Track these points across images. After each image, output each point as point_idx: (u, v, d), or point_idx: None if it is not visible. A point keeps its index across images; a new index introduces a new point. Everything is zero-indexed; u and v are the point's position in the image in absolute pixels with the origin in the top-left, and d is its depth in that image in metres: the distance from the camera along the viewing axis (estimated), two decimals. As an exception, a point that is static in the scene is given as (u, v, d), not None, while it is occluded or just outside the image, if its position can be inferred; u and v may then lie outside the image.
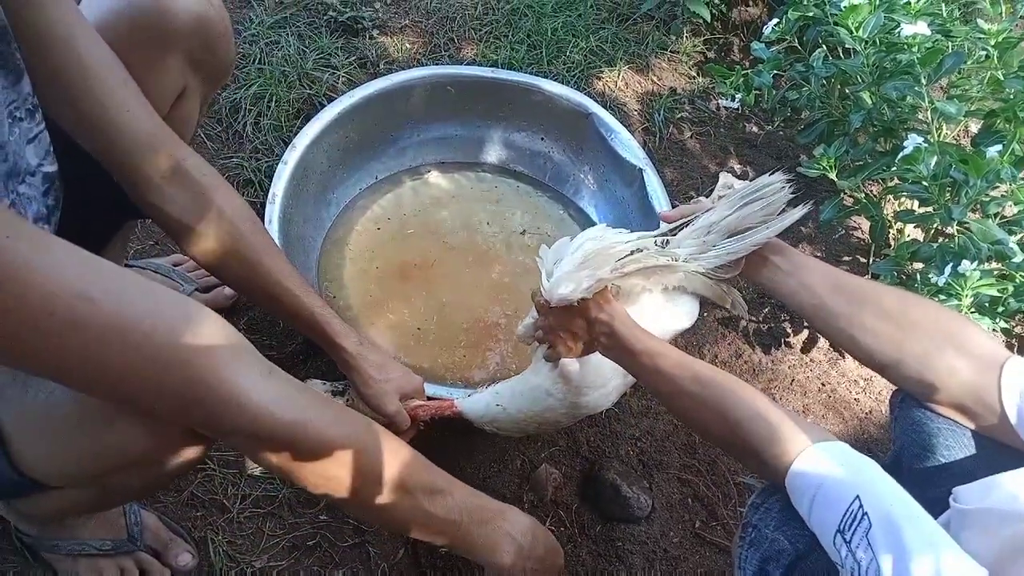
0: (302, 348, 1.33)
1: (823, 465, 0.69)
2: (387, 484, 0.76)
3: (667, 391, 0.85)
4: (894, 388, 0.88)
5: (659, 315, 1.01)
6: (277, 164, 1.40)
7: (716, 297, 1.02)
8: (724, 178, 1.06)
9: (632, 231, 1.04)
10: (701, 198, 1.06)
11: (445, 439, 1.21)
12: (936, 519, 0.65)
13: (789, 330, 1.56)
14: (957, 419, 0.79)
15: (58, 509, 0.91)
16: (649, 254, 0.97)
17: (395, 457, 0.77)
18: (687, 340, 1.51)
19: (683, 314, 1.04)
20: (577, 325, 0.96)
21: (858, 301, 0.87)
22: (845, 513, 0.64)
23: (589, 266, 0.94)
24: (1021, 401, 0.74)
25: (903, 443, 0.83)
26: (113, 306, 0.59)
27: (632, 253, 0.96)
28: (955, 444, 0.79)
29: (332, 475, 0.74)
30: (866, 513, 0.63)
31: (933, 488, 0.72)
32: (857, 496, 0.65)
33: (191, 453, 0.75)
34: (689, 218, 1.03)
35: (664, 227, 1.06)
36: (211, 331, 0.64)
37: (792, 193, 0.96)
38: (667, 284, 1.01)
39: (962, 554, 0.60)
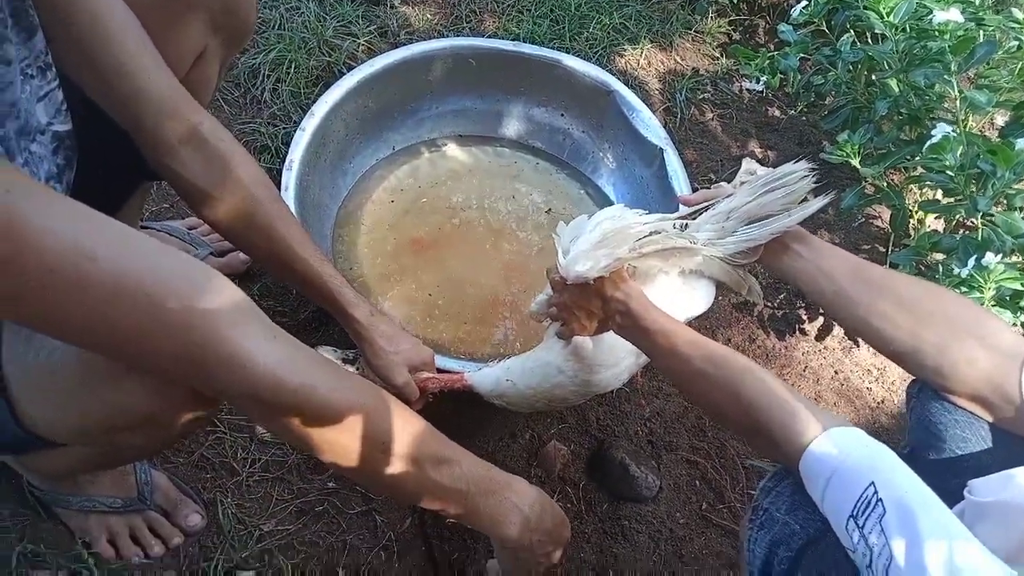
0: (315, 316, 1.33)
1: (839, 450, 0.69)
2: (394, 452, 0.76)
3: (681, 371, 0.84)
4: (910, 378, 0.88)
5: (675, 297, 1.00)
6: (294, 131, 1.39)
7: (733, 283, 1.01)
8: (747, 163, 1.05)
9: (651, 212, 1.04)
10: (722, 183, 1.05)
11: (454, 412, 1.21)
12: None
13: (804, 317, 1.55)
14: (975, 411, 0.78)
15: (66, 465, 0.91)
16: (668, 236, 0.96)
17: (403, 425, 0.77)
18: (700, 324, 1.50)
19: (699, 298, 1.04)
20: (592, 303, 0.95)
21: (878, 289, 0.86)
22: (859, 499, 0.64)
23: (607, 245, 0.93)
24: (1041, 395, 0.73)
25: (918, 434, 0.82)
26: (117, 266, 0.58)
27: (651, 234, 0.95)
28: (971, 436, 0.78)
29: (338, 441, 0.73)
30: (881, 499, 0.63)
31: (947, 480, 0.71)
32: (872, 482, 0.64)
33: (198, 413, 0.75)
34: (710, 202, 1.02)
35: (684, 210, 1.05)
36: (217, 294, 0.64)
37: (815, 182, 0.95)
38: (684, 267, 1.00)
39: (976, 543, 0.60)
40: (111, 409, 0.71)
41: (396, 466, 0.76)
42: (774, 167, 0.98)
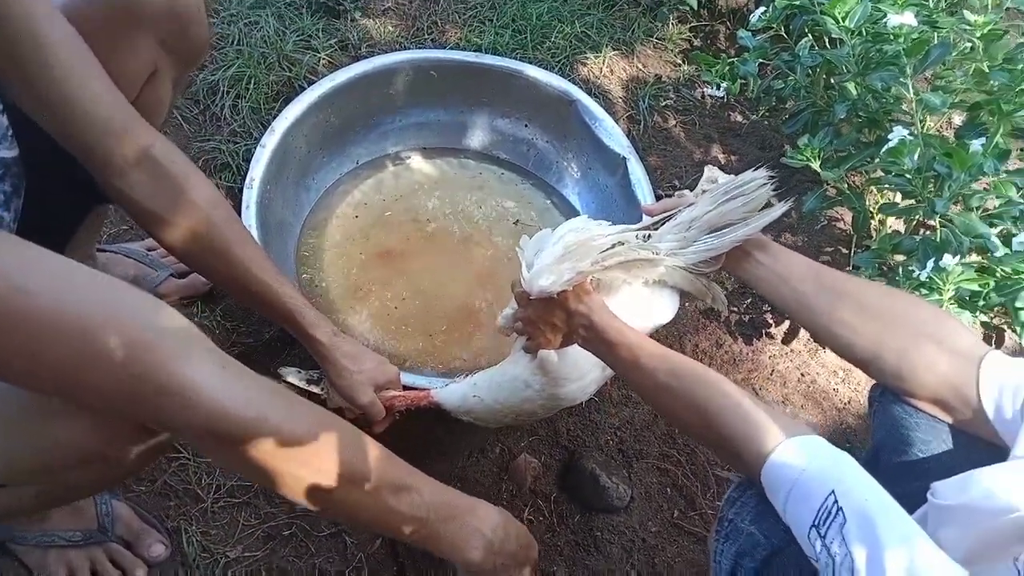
0: (279, 337, 1.31)
1: (799, 459, 0.69)
2: (351, 481, 0.74)
3: (645, 384, 0.84)
4: (873, 382, 0.88)
5: (639, 308, 1.00)
6: (255, 148, 1.37)
7: (697, 292, 1.01)
8: (709, 171, 1.05)
9: (614, 222, 1.04)
10: (685, 191, 1.05)
11: (422, 429, 1.20)
12: (913, 514, 0.65)
13: (770, 320, 1.56)
14: (935, 413, 0.79)
15: (6, 507, 0.87)
16: (630, 247, 0.96)
17: (359, 453, 0.75)
18: (668, 330, 1.50)
19: (663, 308, 1.04)
20: (556, 317, 0.95)
21: (838, 295, 0.86)
22: (820, 508, 0.64)
23: (570, 258, 0.93)
24: (999, 396, 0.74)
25: (881, 437, 0.83)
26: (53, 300, 0.57)
27: (614, 246, 0.95)
28: (933, 439, 0.79)
29: (291, 472, 0.71)
30: (841, 508, 0.63)
31: (910, 483, 0.72)
32: (832, 491, 0.64)
33: (148, 447, 0.73)
34: (671, 212, 1.02)
35: (646, 220, 1.05)
36: (162, 324, 0.62)
37: (775, 188, 0.95)
38: (648, 278, 1.00)
39: (936, 549, 0.60)
40: (51, 447, 0.68)
41: (353, 495, 0.74)
42: (736, 174, 0.99)
